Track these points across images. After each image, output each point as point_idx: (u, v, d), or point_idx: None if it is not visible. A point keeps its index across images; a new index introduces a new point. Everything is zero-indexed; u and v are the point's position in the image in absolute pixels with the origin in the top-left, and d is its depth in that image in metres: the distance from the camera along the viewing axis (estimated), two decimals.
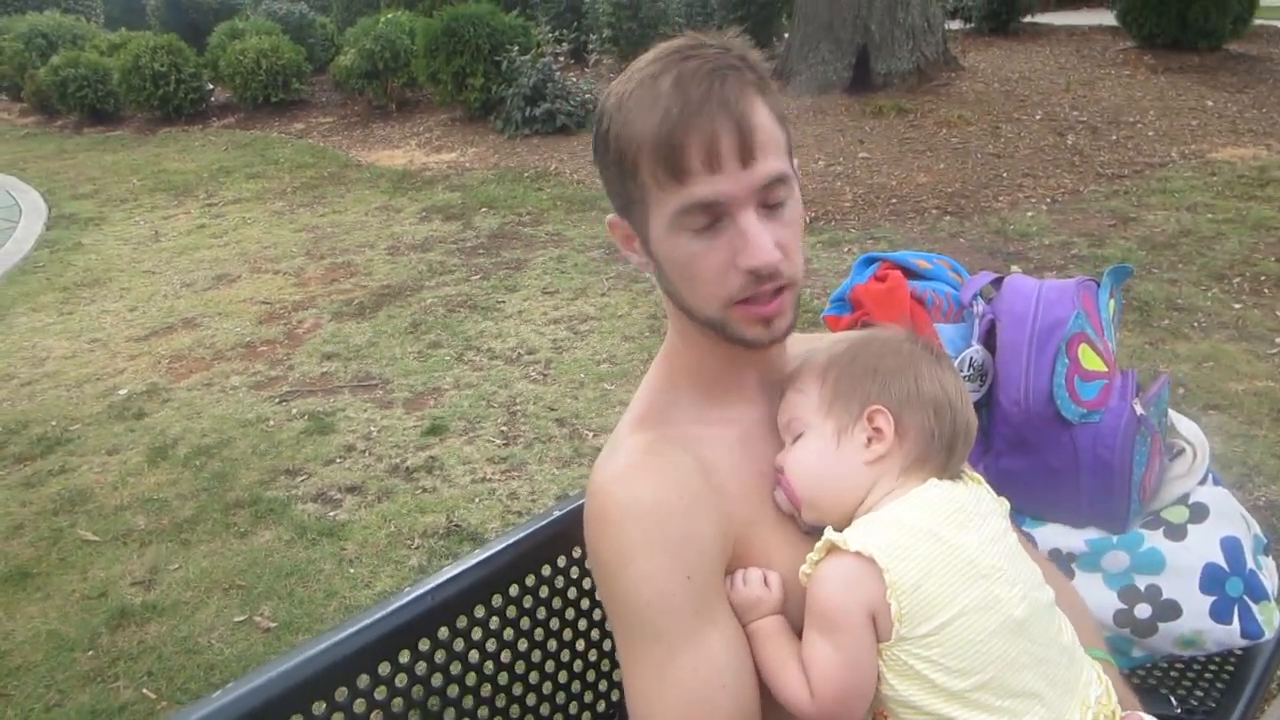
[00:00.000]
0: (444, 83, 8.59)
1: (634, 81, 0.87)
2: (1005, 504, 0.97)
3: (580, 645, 1.20)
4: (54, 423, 3.82)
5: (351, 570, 2.73)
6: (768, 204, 0.86)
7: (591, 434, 3.37)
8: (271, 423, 3.68)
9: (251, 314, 4.88)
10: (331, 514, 3.03)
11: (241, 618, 2.58)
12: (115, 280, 5.67)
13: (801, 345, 1.04)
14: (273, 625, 2.53)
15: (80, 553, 2.94)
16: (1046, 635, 0.89)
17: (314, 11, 12.55)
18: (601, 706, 1.22)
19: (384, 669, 0.98)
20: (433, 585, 1.04)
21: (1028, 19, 10.42)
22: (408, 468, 3.26)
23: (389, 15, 9.84)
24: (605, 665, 1.23)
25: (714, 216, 0.85)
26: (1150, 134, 6.61)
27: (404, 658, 1.00)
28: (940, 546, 0.86)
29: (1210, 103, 7.23)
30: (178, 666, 2.41)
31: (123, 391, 4.07)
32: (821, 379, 0.94)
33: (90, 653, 2.49)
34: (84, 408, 3.95)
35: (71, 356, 4.54)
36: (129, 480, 3.34)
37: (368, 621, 0.98)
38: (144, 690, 2.34)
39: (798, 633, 0.89)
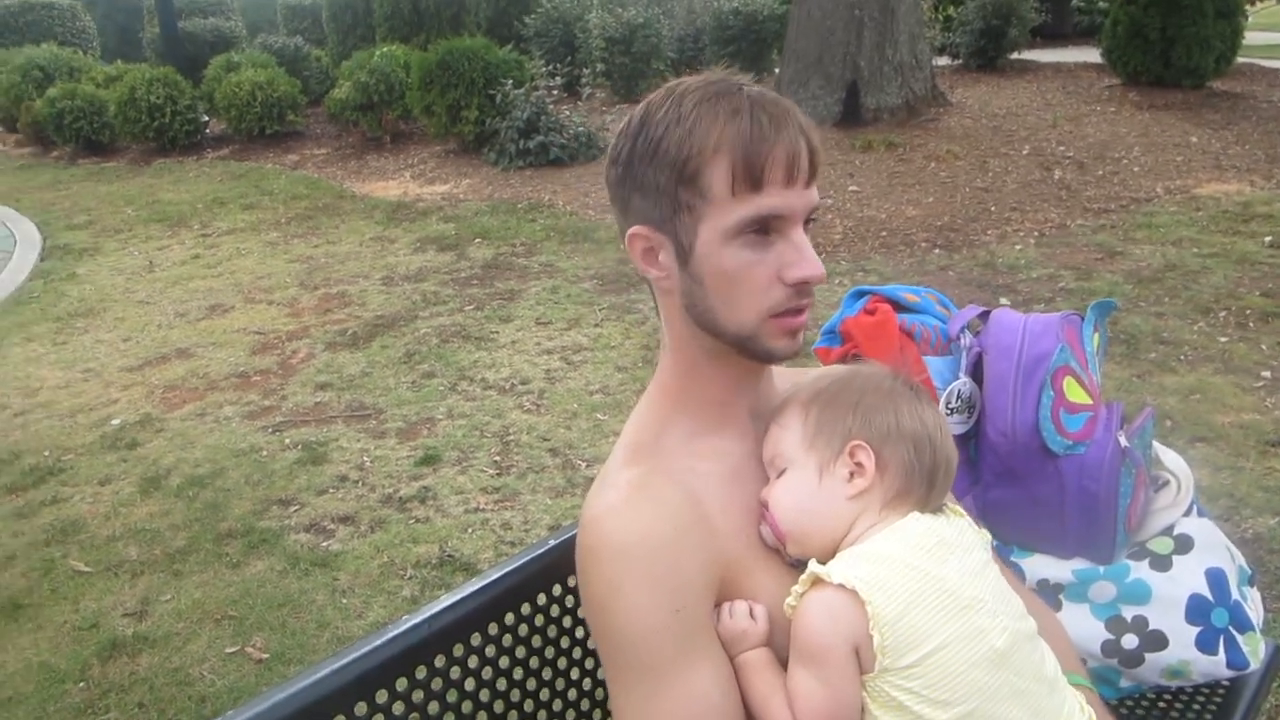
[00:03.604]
0: (438, 115, 8.68)
1: (693, 99, 0.89)
2: (987, 536, 0.98)
3: (575, 674, 1.21)
4: (46, 453, 3.82)
5: (344, 601, 2.73)
6: (804, 222, 0.92)
7: (584, 464, 3.38)
8: (264, 453, 3.68)
9: (245, 344, 4.89)
10: (324, 544, 3.03)
11: (234, 649, 2.57)
12: (109, 310, 5.68)
13: (788, 380, 1.06)
14: (265, 656, 2.53)
15: (72, 584, 2.93)
16: (1028, 666, 0.91)
17: (309, 45, 12.68)
18: None
19: (381, 697, 0.99)
20: (430, 614, 1.05)
21: (1015, 56, 10.60)
22: (401, 498, 3.26)
23: (384, 49, 9.95)
24: (600, 694, 1.24)
25: (770, 228, 0.89)
26: (1136, 169, 6.71)
27: (401, 685, 1.01)
28: (922, 578, 0.88)
29: (1194, 139, 7.35)
30: (169, 698, 2.40)
31: (116, 421, 4.07)
32: (804, 415, 0.96)
33: (81, 684, 2.48)
34: (77, 438, 3.95)
35: (65, 386, 4.54)
36: (121, 510, 3.33)
37: (366, 649, 0.99)
38: None
39: (785, 664, 0.90)
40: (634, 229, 0.94)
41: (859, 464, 0.93)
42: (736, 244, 0.89)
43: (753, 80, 0.93)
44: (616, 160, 0.94)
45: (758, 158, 0.87)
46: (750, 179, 0.87)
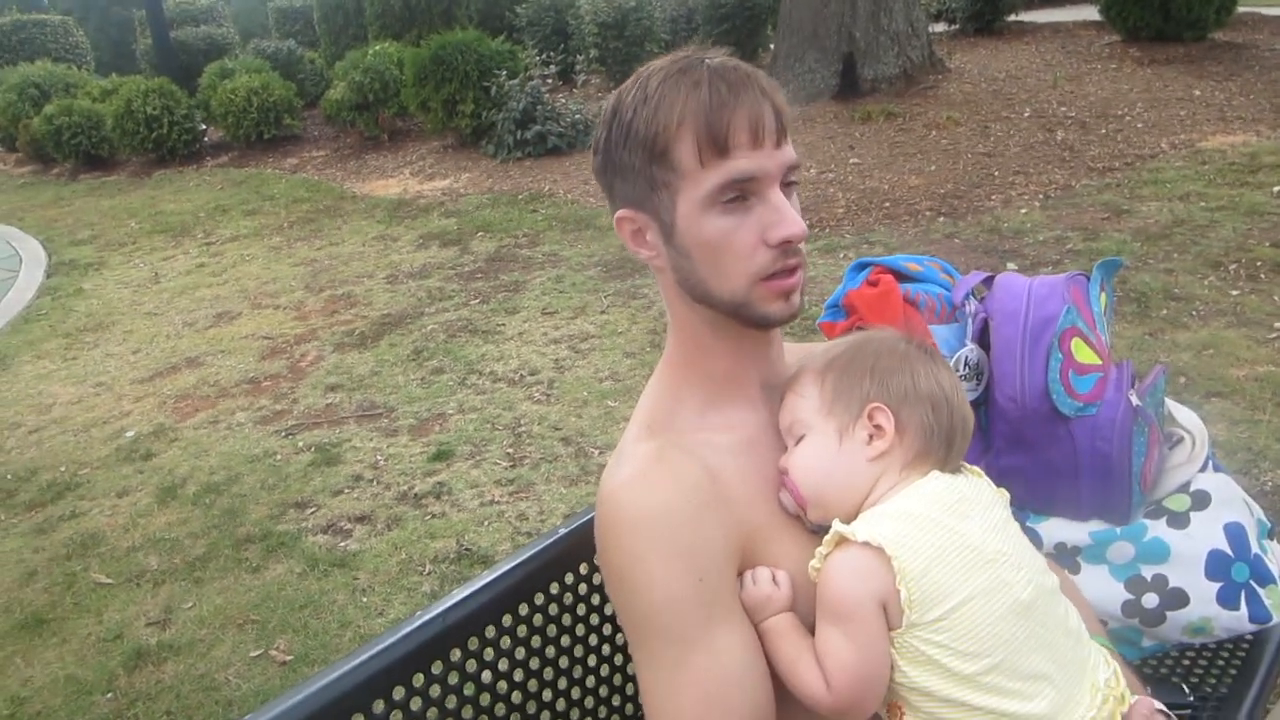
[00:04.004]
0: (434, 111, 8.66)
1: (657, 78, 0.91)
2: (1005, 495, 0.99)
3: (591, 661, 1.21)
4: (63, 468, 3.84)
5: (364, 599, 2.74)
6: (785, 184, 0.92)
7: (597, 451, 3.38)
8: (278, 457, 3.69)
9: (254, 350, 4.90)
10: (342, 544, 3.04)
11: (257, 652, 2.59)
12: (118, 323, 5.71)
13: (797, 354, 1.06)
14: (289, 658, 2.54)
15: (94, 596, 2.95)
16: (1053, 618, 0.91)
17: (302, 47, 12.66)
18: None
19: (398, 693, 0.99)
20: (443, 608, 1.05)
21: (1012, 18, 10.48)
22: (416, 494, 3.27)
23: (377, 47, 9.91)
24: (617, 680, 1.23)
25: (746, 192, 0.89)
26: (1139, 126, 6.64)
27: (418, 681, 1.01)
28: (946, 533, 0.88)
29: (1198, 92, 7.26)
30: (196, 704, 2.42)
31: (130, 433, 4.09)
32: (821, 381, 0.96)
33: (109, 695, 2.50)
34: (92, 451, 3.97)
35: (77, 401, 4.56)
36: (140, 521, 3.35)
37: (380, 647, 0.99)
38: None
39: (809, 630, 0.91)
40: (620, 212, 0.96)
41: (878, 426, 0.93)
42: (714, 212, 0.90)
43: (727, 54, 0.93)
44: (597, 148, 0.97)
45: (719, 124, 0.87)
46: (715, 145, 0.88)
